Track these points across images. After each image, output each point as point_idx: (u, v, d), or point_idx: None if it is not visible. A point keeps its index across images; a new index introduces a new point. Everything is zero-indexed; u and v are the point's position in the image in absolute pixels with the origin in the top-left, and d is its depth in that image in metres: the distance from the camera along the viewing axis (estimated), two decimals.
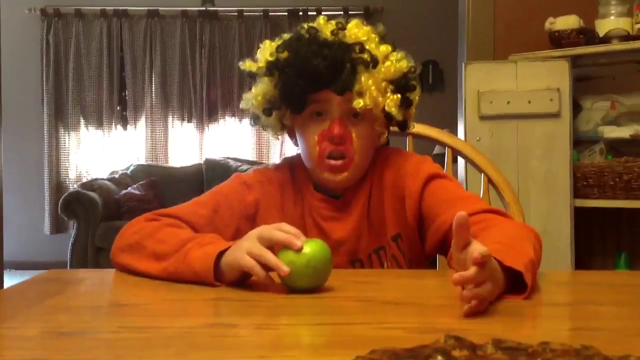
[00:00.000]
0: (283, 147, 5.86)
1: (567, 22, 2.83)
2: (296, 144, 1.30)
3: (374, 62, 1.17)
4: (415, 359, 0.51)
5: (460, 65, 2.90)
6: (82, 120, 5.93)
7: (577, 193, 2.70)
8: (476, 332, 0.72)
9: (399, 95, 1.20)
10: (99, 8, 5.92)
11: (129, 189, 5.17)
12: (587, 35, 2.79)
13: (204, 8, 5.95)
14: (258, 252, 0.95)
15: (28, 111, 5.83)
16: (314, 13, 5.90)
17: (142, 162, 5.85)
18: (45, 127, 5.85)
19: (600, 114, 2.89)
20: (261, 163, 5.43)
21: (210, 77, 6.00)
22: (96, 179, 5.30)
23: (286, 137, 1.34)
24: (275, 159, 5.84)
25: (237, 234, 1.20)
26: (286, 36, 1.23)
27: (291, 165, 1.33)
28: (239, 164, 5.44)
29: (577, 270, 2.59)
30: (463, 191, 1.25)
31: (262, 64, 1.22)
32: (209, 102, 6.00)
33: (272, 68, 1.20)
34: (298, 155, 1.33)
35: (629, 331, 0.76)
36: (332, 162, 1.20)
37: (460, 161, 2.78)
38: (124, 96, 6.04)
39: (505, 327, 0.78)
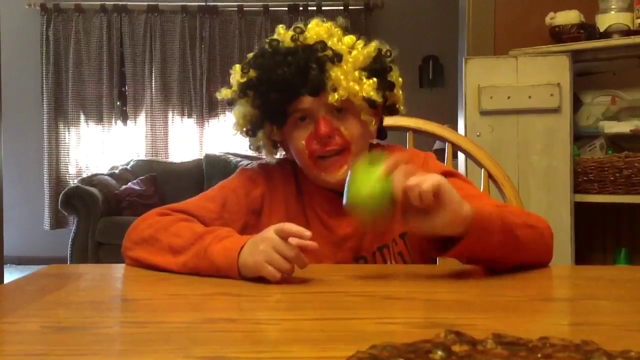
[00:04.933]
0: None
1: (567, 17, 2.82)
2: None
3: (338, 57, 1.16)
4: (415, 354, 0.51)
5: (461, 60, 2.89)
6: (82, 116, 5.93)
7: (577, 188, 2.70)
8: (476, 327, 0.72)
9: (375, 79, 1.18)
10: (99, 3, 5.91)
11: (129, 184, 5.17)
12: (587, 30, 2.78)
13: (203, 3, 5.95)
14: (277, 261, 0.96)
15: (28, 106, 5.83)
16: (314, 8, 5.88)
17: (142, 157, 5.86)
18: (44, 122, 5.85)
19: (600, 109, 2.89)
20: (261, 159, 5.42)
21: (211, 73, 5.99)
22: (96, 174, 5.29)
23: None
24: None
25: (245, 229, 1.21)
26: (250, 55, 1.22)
27: (293, 161, 1.33)
28: (239, 159, 5.43)
29: (577, 265, 2.59)
30: (476, 189, 1.26)
31: (235, 88, 1.22)
32: (209, 98, 5.99)
33: (244, 89, 1.20)
34: None
35: (629, 326, 0.76)
36: (327, 160, 1.19)
37: (461, 156, 2.78)
38: (124, 91, 6.04)
39: (506, 322, 0.78)
